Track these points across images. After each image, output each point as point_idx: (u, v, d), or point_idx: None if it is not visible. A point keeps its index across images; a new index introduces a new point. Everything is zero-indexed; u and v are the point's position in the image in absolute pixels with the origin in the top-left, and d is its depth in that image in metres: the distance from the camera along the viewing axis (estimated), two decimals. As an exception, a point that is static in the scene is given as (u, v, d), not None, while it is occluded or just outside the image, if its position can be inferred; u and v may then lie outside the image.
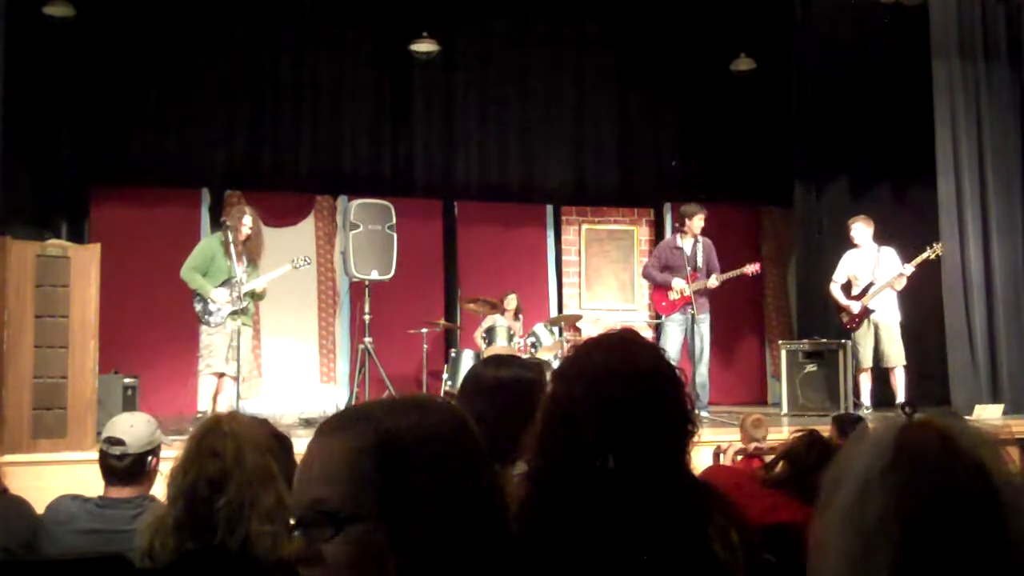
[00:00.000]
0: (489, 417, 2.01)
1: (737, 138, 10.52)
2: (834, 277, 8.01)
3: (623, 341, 1.71)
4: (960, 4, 8.15)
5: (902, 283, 7.73)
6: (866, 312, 7.79)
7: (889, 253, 7.84)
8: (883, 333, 7.75)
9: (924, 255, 7.68)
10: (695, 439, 1.65)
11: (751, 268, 8.04)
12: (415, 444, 1.04)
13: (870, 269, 7.81)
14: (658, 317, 8.06)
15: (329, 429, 1.07)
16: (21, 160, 7.85)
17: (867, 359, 7.80)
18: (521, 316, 9.35)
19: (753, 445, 5.21)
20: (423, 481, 1.01)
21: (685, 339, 7.89)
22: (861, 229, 7.90)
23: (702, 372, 7.78)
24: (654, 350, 1.72)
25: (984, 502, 0.91)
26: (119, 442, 2.82)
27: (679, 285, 7.80)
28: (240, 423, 2.21)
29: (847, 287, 7.95)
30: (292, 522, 1.04)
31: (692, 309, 7.76)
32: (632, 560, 1.47)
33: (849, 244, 8.03)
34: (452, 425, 1.08)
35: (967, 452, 0.93)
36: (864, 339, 7.82)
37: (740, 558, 1.54)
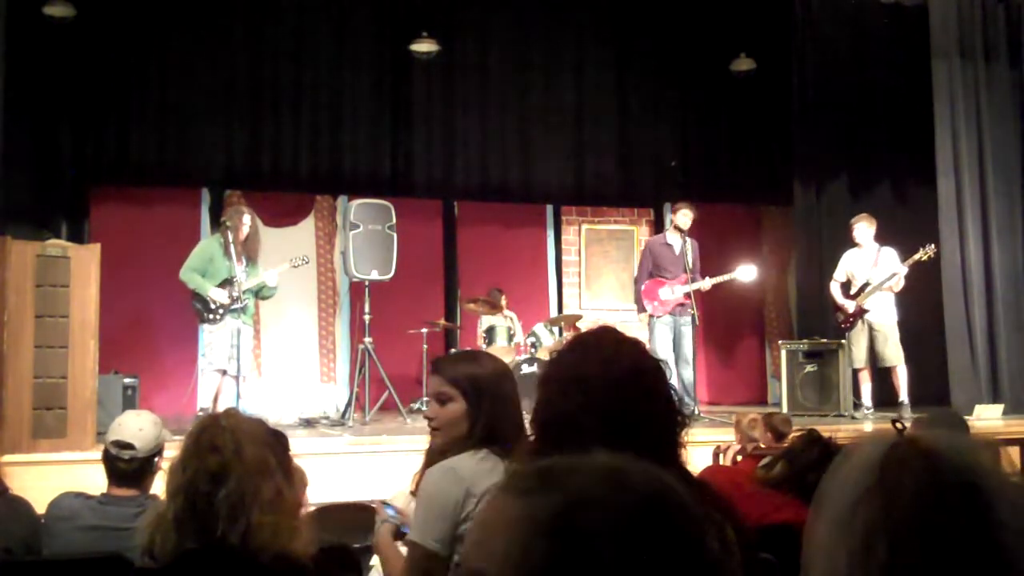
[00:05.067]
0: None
1: (737, 138, 10.52)
2: (834, 275, 8.00)
3: (607, 340, 1.69)
4: (960, 4, 8.16)
5: (899, 284, 7.69)
6: (860, 312, 7.78)
7: (889, 253, 7.78)
8: (877, 334, 7.72)
9: (916, 256, 7.66)
10: (686, 431, 1.65)
11: (744, 275, 8.01)
12: (601, 529, 0.83)
13: (868, 269, 7.79)
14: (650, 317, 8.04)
15: (515, 489, 0.89)
16: (21, 160, 7.86)
17: (860, 359, 7.78)
18: (512, 312, 9.28)
19: (752, 446, 5.21)
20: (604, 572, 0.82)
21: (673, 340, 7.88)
22: (863, 228, 7.85)
23: (690, 374, 7.76)
24: (637, 344, 1.72)
25: (971, 518, 0.91)
26: (129, 446, 2.85)
27: (663, 296, 7.81)
28: (238, 419, 2.23)
29: (847, 286, 7.94)
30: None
31: (692, 309, 7.76)
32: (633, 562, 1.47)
33: (850, 243, 8.00)
34: (650, 504, 0.86)
35: (953, 470, 0.94)
36: (858, 339, 7.80)
37: (736, 555, 1.54)
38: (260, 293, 7.23)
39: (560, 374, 1.66)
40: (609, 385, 1.58)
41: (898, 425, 1.05)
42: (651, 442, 1.56)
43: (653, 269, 7.97)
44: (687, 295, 7.71)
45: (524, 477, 0.90)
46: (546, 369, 1.73)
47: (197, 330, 8.00)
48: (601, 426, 1.54)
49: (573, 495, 0.86)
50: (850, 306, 7.80)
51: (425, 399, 8.79)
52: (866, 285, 7.74)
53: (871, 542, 0.92)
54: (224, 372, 6.88)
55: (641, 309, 8.03)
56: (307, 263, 7.74)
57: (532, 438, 1.64)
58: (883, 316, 7.72)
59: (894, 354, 7.67)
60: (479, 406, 2.38)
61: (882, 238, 7.97)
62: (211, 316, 6.89)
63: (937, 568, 0.90)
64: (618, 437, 1.54)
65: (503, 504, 0.88)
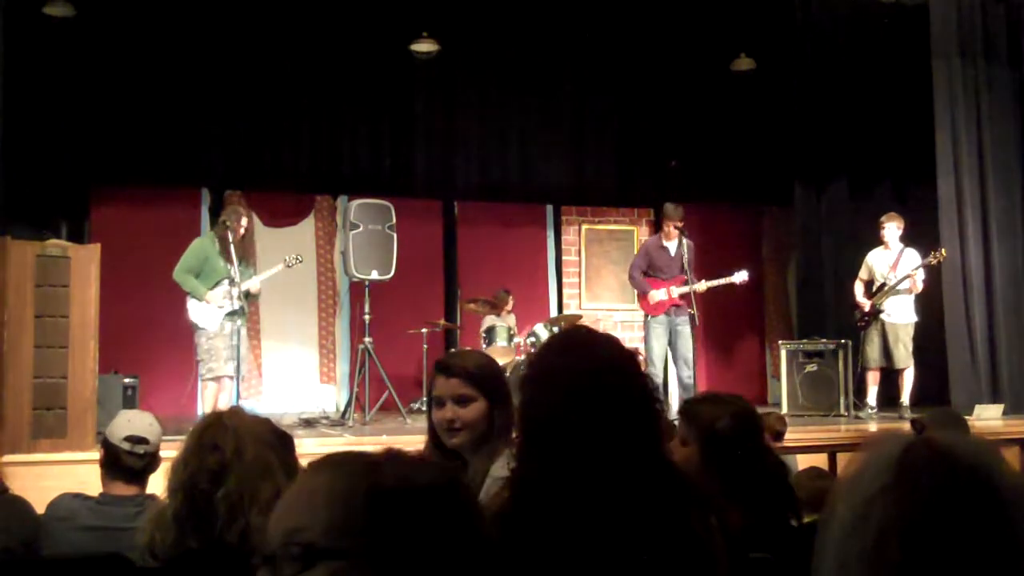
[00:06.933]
0: None
1: (737, 138, 10.52)
2: (859, 274, 8.00)
3: (584, 339, 1.75)
4: (960, 4, 8.16)
5: (916, 287, 7.65)
6: (875, 312, 7.77)
7: (910, 255, 7.75)
8: (889, 334, 7.71)
9: (926, 261, 7.66)
10: (665, 422, 1.68)
11: (739, 278, 7.93)
12: (406, 494, 1.00)
13: (888, 269, 7.79)
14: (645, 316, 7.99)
15: (317, 467, 1.05)
16: (21, 160, 7.86)
17: (873, 359, 7.76)
18: (514, 314, 9.30)
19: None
20: (409, 531, 0.97)
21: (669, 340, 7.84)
22: (892, 229, 7.81)
23: (689, 375, 7.69)
24: (612, 341, 1.77)
25: (986, 519, 0.92)
26: (143, 440, 2.85)
27: (658, 296, 7.74)
28: (241, 418, 2.22)
29: (869, 285, 7.92)
30: (259, 559, 0.99)
31: (691, 309, 7.74)
32: (625, 551, 1.49)
33: (874, 243, 7.95)
34: (444, 484, 1.04)
35: (969, 471, 0.94)
36: (871, 339, 7.79)
37: (721, 543, 1.57)
38: (248, 295, 7.20)
39: (538, 374, 1.71)
40: (584, 380, 1.62)
41: (915, 427, 1.05)
42: (631, 434, 1.59)
43: (648, 269, 7.92)
44: (683, 296, 7.68)
45: (326, 459, 1.05)
46: (529, 370, 1.77)
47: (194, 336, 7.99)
48: (582, 421, 1.58)
49: (379, 469, 1.01)
50: (866, 305, 7.81)
51: (424, 399, 8.81)
52: (883, 285, 7.74)
53: (885, 541, 0.92)
54: (221, 378, 6.83)
55: (642, 293, 7.91)
56: (301, 262, 7.71)
57: (518, 437, 1.68)
58: (897, 317, 7.71)
59: (903, 356, 7.66)
60: (502, 403, 2.39)
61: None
62: (206, 323, 6.82)
63: (951, 568, 0.90)
64: (600, 431, 1.57)
65: (308, 479, 1.03)
